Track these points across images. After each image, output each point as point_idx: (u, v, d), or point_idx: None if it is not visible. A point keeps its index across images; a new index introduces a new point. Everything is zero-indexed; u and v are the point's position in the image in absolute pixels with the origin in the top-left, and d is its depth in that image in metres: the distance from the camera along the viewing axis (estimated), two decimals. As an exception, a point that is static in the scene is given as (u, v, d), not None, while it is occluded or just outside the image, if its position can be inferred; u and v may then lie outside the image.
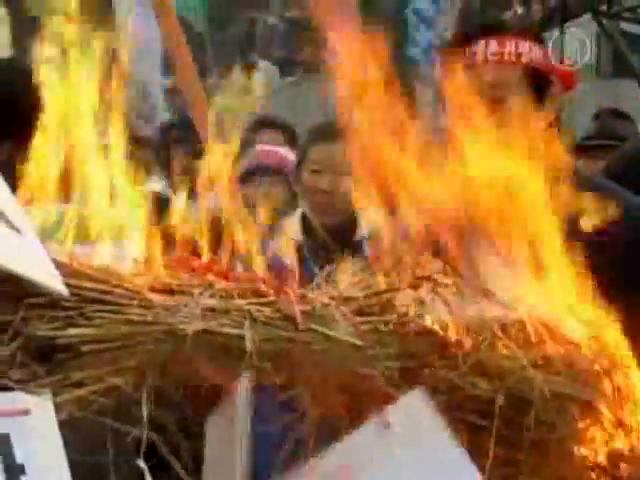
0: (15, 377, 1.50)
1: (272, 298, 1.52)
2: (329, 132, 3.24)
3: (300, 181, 3.67)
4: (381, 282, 1.59)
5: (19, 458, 1.56)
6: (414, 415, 1.62)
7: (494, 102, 2.61)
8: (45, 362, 1.50)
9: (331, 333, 1.53)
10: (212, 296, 1.52)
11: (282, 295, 1.48)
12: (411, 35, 10.18)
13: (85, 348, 1.51)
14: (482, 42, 2.76)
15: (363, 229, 3.41)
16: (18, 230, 1.56)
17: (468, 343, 1.53)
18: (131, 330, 1.50)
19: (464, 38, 2.82)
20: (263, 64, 11.34)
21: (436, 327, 1.54)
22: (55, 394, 1.51)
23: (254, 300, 1.51)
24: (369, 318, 1.55)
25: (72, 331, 1.51)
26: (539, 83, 2.64)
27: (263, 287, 1.51)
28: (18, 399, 1.55)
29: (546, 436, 1.55)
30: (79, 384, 1.51)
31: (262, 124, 6.49)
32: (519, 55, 2.76)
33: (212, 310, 1.51)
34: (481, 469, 1.53)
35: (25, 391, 1.53)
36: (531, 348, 1.56)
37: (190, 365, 1.51)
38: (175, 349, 1.51)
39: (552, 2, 10.30)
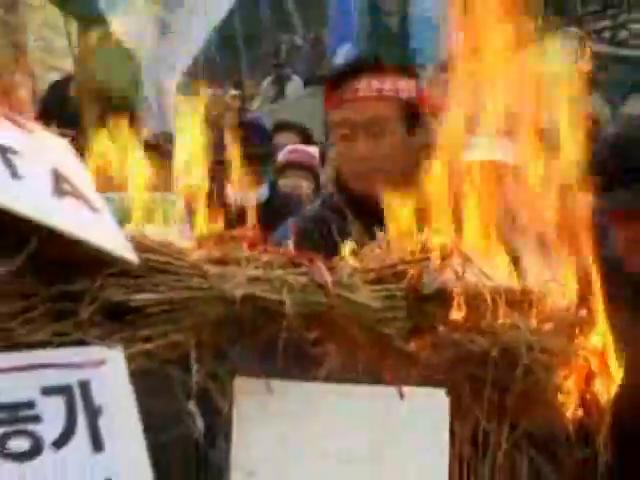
0: (93, 334, 1.74)
1: (306, 269, 1.82)
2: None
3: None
4: (396, 255, 1.89)
5: (97, 401, 1.84)
6: (422, 407, 1.91)
7: (373, 134, 2.90)
8: (118, 322, 1.75)
9: (354, 298, 1.80)
10: (256, 267, 1.78)
11: (314, 266, 1.77)
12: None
13: (151, 310, 1.76)
14: (364, 79, 3.03)
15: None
16: (96, 210, 1.79)
17: (468, 306, 1.82)
18: (189, 295, 1.75)
19: (347, 74, 3.10)
20: (290, 77, 12.16)
21: (440, 293, 1.85)
22: (126, 348, 1.75)
23: (291, 270, 1.79)
24: (385, 286, 1.81)
25: (140, 296, 1.76)
26: (413, 116, 2.93)
27: (298, 260, 1.80)
28: (96, 352, 1.76)
29: (532, 384, 1.85)
30: (146, 340, 1.80)
31: (280, 127, 7.08)
32: (397, 91, 3.02)
33: (256, 279, 1.77)
34: (479, 411, 1.82)
35: (101, 345, 1.83)
36: (522, 311, 1.86)
37: (238, 324, 1.81)
38: (226, 311, 1.79)
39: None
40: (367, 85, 2.98)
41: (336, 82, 3.07)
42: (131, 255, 1.78)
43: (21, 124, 1.77)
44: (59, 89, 7.00)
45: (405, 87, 3.01)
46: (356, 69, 3.08)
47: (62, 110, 5.73)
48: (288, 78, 13.44)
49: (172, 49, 9.65)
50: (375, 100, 3.00)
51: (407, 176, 2.52)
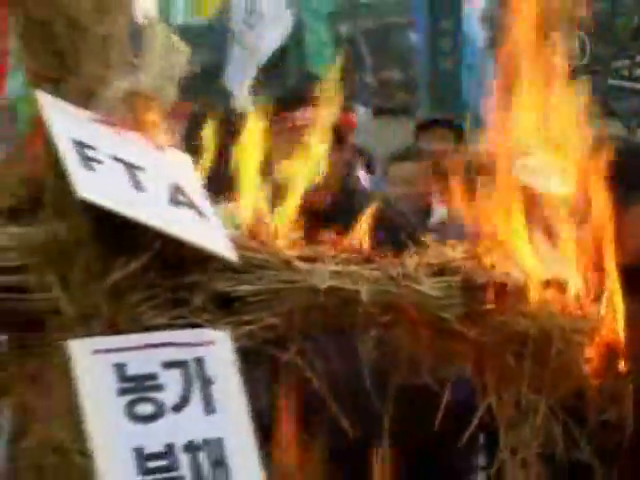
0: (205, 319, 1.99)
1: (378, 264, 2.16)
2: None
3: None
4: (449, 253, 2.22)
5: (208, 374, 2.06)
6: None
7: None
8: (225, 309, 2.00)
9: (419, 288, 2.12)
10: (337, 263, 2.06)
11: (386, 262, 2.11)
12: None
13: (251, 299, 2.02)
14: (302, 108, 3.42)
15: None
16: (205, 216, 2.05)
17: (512, 295, 2.15)
18: (283, 287, 2.01)
19: (288, 104, 3.52)
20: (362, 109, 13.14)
21: (489, 284, 2.18)
22: (231, 330, 1.99)
23: (367, 266, 2.10)
24: (444, 278, 2.09)
25: (243, 287, 1.99)
26: (340, 135, 3.32)
27: (372, 257, 2.14)
28: (207, 334, 2.00)
29: (565, 360, 2.17)
30: (247, 323, 2.07)
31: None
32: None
33: (338, 273, 2.04)
34: (522, 382, 2.15)
35: (211, 328, 2.04)
36: (553, 298, 2.19)
37: (323, 311, 2.13)
38: (313, 300, 2.06)
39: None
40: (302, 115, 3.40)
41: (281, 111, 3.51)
42: (231, 254, 2.10)
43: (151, 141, 2.09)
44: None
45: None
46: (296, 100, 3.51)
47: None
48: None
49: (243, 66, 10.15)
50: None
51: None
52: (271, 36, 12.34)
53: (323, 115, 2.23)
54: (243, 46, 12.18)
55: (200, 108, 5.94)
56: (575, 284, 2.16)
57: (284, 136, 3.27)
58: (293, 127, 3.37)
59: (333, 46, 12.94)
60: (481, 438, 3.72)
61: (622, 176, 2.44)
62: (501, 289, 2.06)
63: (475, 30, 12.13)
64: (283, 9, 12.58)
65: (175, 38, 2.14)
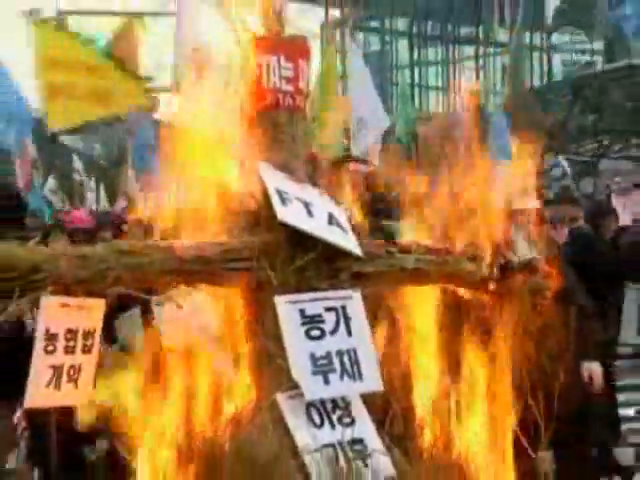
0: (347, 285, 3.33)
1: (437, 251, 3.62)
2: None
3: None
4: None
5: (349, 315, 3.29)
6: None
7: None
8: (357, 279, 3.33)
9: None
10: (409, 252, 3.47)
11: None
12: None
13: (373, 272, 3.39)
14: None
15: None
16: (346, 230, 3.34)
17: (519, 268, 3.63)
18: (386, 266, 3.42)
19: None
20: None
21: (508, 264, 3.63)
22: (361, 290, 3.34)
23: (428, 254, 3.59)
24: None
25: (367, 268, 3.38)
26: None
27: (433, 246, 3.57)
28: (347, 293, 3.31)
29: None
30: (369, 286, 3.41)
31: None
32: None
33: (418, 260, 3.65)
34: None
35: (349, 289, 3.32)
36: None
37: (409, 281, 3.64)
38: (405, 275, 3.47)
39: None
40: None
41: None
42: (359, 250, 3.40)
43: (317, 189, 3.44)
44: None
45: None
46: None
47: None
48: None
49: None
50: None
51: None
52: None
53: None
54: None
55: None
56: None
57: None
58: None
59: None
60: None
61: None
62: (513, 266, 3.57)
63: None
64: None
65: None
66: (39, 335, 3.16)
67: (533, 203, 3.61)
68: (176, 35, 9.08)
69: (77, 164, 14.96)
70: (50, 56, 9.12)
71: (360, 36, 46.16)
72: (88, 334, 3.30)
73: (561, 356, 3.59)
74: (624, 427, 8.03)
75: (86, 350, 3.30)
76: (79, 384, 3.29)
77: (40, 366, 3.18)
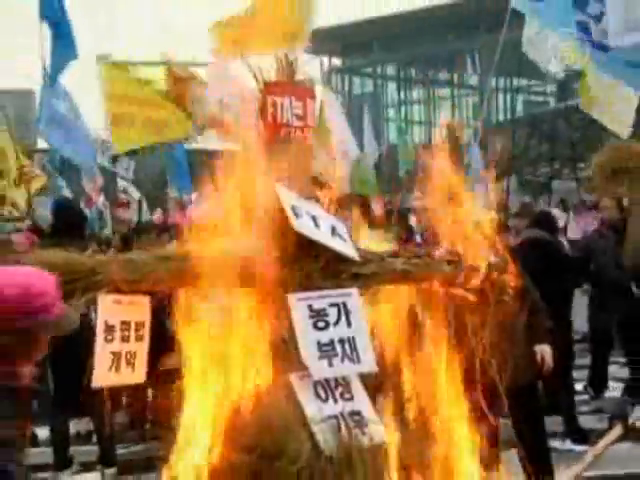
0: (347, 285, 3.30)
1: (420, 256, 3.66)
2: None
3: None
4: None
5: (349, 309, 3.27)
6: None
7: None
8: (355, 279, 3.32)
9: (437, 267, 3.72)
10: (397, 257, 3.55)
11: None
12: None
13: (368, 273, 3.42)
14: None
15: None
16: (345, 239, 3.36)
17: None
18: (379, 268, 3.46)
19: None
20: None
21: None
22: (359, 289, 3.33)
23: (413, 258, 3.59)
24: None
25: (363, 269, 3.39)
26: None
27: (418, 252, 3.63)
28: (347, 291, 3.28)
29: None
30: (365, 285, 3.48)
31: None
32: None
33: (405, 262, 3.69)
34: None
35: (349, 288, 3.37)
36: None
37: (400, 280, 3.66)
38: (394, 275, 3.61)
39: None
40: None
41: None
42: (356, 255, 3.56)
43: (322, 205, 3.52)
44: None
45: None
46: None
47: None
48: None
49: None
50: None
51: None
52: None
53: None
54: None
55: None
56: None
57: None
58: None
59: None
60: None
61: None
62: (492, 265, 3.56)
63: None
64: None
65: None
66: (99, 327, 3.22)
67: (496, 215, 3.62)
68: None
69: (121, 183, 15.12)
70: (116, 92, 9.41)
71: (357, 80, 47.66)
72: (139, 325, 3.35)
73: (517, 341, 3.60)
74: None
75: (139, 338, 3.35)
76: (135, 366, 3.35)
77: (102, 353, 3.24)
